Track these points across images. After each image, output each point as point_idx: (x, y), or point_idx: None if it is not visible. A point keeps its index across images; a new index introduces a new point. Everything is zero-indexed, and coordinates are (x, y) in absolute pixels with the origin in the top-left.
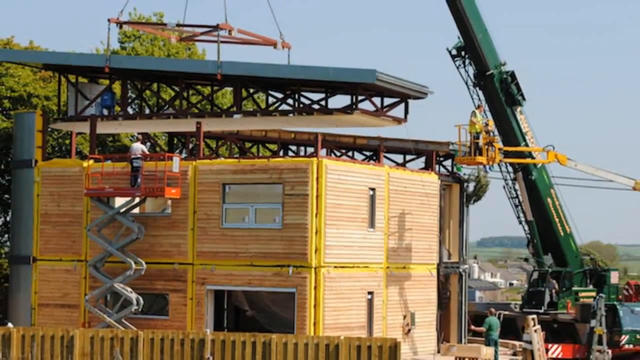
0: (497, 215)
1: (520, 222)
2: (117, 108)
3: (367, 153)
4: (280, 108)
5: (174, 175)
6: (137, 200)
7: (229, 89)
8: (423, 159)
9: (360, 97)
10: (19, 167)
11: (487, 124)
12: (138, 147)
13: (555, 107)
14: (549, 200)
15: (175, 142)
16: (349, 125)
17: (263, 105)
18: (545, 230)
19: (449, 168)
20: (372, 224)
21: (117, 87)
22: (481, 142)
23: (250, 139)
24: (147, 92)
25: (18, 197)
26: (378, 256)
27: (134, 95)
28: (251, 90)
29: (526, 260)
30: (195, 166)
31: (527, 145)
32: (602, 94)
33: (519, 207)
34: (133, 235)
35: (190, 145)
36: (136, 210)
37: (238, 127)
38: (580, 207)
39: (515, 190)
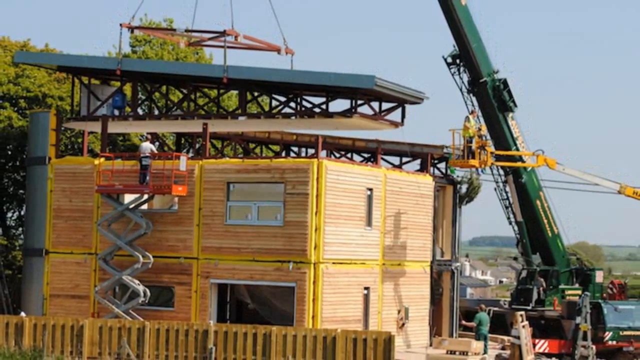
0: (488, 216)
1: (510, 223)
2: (128, 109)
3: (365, 155)
4: (283, 111)
5: (181, 173)
6: (145, 197)
7: (235, 92)
8: (418, 161)
9: (359, 102)
10: (33, 164)
11: (480, 129)
12: (147, 146)
13: (555, 108)
14: (538, 202)
15: (182, 142)
16: (349, 128)
17: (267, 108)
18: (534, 231)
19: (443, 170)
20: (369, 223)
21: (127, 89)
22: (474, 146)
23: (254, 140)
24: (157, 94)
25: (32, 193)
26: (374, 253)
27: (143, 97)
28: (255, 94)
29: (515, 259)
30: (201, 165)
31: (517, 149)
32: (602, 94)
33: (509, 209)
34: (141, 230)
35: (197, 145)
36: (144, 207)
37: (242, 129)
38: (568, 209)
39: (506, 192)
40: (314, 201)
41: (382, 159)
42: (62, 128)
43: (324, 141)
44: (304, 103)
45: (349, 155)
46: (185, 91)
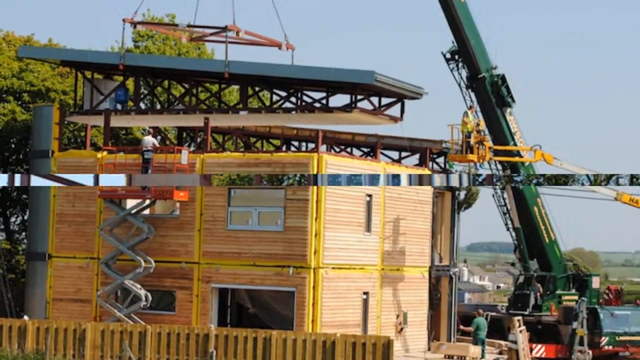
0: (486, 222)
1: (508, 229)
2: (130, 103)
3: (365, 149)
4: (283, 106)
5: (183, 167)
6: (147, 202)
7: (236, 86)
8: (417, 155)
9: (359, 97)
10: (37, 157)
11: (478, 124)
12: (149, 140)
13: (555, 108)
14: (535, 208)
15: (184, 136)
16: (348, 123)
17: (267, 103)
18: (531, 237)
19: (442, 165)
20: (368, 228)
21: (130, 83)
22: (472, 141)
23: (255, 135)
24: (159, 88)
25: (35, 196)
26: (373, 258)
27: (146, 91)
28: (256, 89)
29: (513, 264)
30: (202, 159)
31: (515, 144)
32: (602, 94)
33: (507, 215)
34: (143, 235)
35: (199, 139)
36: (146, 212)
37: (244, 123)
38: (564, 216)
39: (504, 199)
40: (313, 207)
41: (382, 153)
42: (65, 122)
43: (324, 136)
44: (305, 98)
45: (348, 149)
46: (187, 86)
